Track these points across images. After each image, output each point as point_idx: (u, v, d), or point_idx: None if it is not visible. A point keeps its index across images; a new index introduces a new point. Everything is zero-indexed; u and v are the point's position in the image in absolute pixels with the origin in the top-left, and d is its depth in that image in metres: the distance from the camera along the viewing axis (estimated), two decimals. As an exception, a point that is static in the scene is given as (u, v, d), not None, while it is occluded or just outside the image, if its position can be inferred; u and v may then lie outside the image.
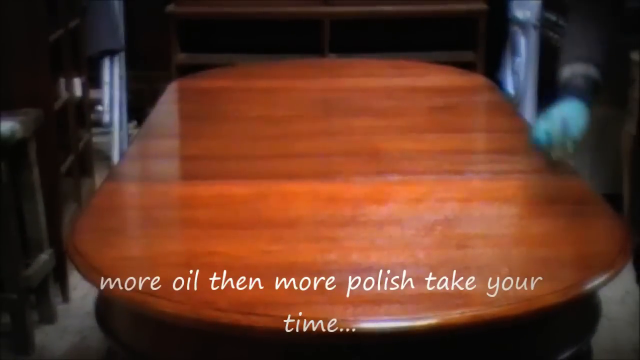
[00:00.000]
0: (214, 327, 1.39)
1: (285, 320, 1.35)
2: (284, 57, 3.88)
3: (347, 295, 1.45)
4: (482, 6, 4.31)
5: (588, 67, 1.78)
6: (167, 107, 2.76)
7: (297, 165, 2.12)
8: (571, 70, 1.79)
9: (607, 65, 1.82)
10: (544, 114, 1.80)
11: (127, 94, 4.34)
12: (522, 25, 4.17)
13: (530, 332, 1.49)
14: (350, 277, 1.50)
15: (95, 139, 3.85)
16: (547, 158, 1.79)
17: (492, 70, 4.29)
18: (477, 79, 3.09)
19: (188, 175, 2.18)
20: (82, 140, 3.39)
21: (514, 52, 4.29)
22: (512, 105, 3.15)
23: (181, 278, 1.51)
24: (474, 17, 4.31)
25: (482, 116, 2.81)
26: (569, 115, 1.75)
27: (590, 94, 1.78)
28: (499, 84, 4.02)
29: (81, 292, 3.00)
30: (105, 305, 1.63)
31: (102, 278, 1.51)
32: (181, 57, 4.35)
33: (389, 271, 1.53)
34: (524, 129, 2.48)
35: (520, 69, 4.22)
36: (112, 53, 4.20)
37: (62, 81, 3.17)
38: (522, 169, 2.07)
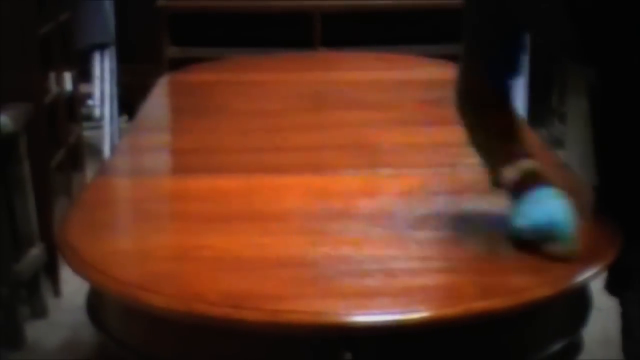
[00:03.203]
0: (205, 321, 1.39)
1: (276, 314, 1.35)
2: (275, 50, 3.87)
3: (339, 289, 1.45)
4: (473, -1, 4.30)
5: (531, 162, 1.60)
6: (158, 101, 2.75)
7: (289, 159, 2.12)
8: (516, 169, 1.58)
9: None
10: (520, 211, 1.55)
11: (118, 87, 4.33)
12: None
13: (522, 324, 1.49)
14: (341, 271, 1.51)
15: (86, 133, 3.84)
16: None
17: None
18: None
19: (179, 169, 2.18)
20: (72, 134, 3.39)
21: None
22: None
23: (172, 271, 1.51)
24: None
25: (473, 109, 2.80)
26: (552, 209, 1.52)
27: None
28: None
29: (72, 286, 2.99)
30: (97, 299, 1.63)
31: (93, 272, 1.51)
32: (172, 51, 4.34)
33: (380, 264, 1.53)
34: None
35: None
36: (102, 47, 4.19)
37: (52, 75, 3.16)
38: (513, 161, 2.07)
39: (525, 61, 4.03)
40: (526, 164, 1.59)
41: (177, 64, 3.71)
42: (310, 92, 2.77)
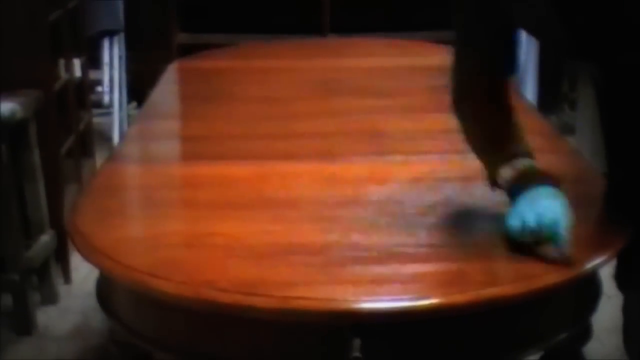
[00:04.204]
0: (215, 308, 1.39)
1: (286, 300, 1.35)
2: (284, 37, 3.86)
3: (348, 276, 1.45)
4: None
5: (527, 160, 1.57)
6: (167, 88, 2.75)
7: (298, 146, 2.11)
8: (512, 168, 1.56)
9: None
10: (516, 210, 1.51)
11: (127, 74, 4.33)
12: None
13: (531, 311, 1.49)
14: (351, 257, 1.51)
15: (95, 120, 3.84)
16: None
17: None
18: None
19: (189, 156, 2.18)
20: (82, 121, 3.39)
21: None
22: (513, 85, 3.14)
23: (182, 258, 1.52)
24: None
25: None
26: (546, 207, 1.47)
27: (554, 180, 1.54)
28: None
29: (82, 272, 3.00)
30: (107, 285, 1.64)
31: (103, 259, 1.51)
32: (181, 37, 4.33)
33: (389, 251, 1.53)
34: (525, 108, 2.48)
35: (521, 48, 4.20)
36: (111, 33, 4.19)
37: (61, 62, 3.16)
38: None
39: (532, 50, 4.03)
40: (522, 163, 1.55)
41: (186, 51, 3.71)
42: (320, 78, 2.76)
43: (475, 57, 1.62)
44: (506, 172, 1.56)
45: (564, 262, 1.44)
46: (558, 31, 1.46)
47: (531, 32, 1.60)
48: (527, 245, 1.48)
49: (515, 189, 1.53)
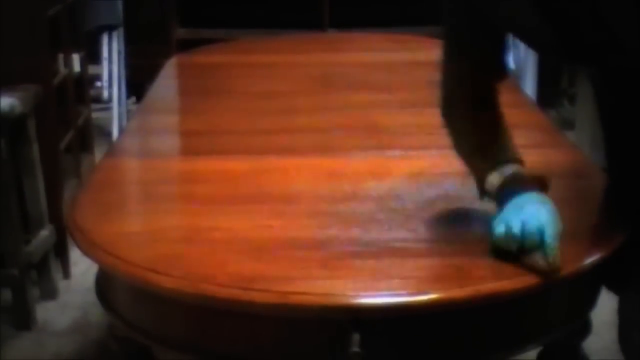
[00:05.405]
0: (214, 302, 1.39)
1: (285, 295, 1.35)
2: (283, 31, 3.86)
3: (348, 270, 1.45)
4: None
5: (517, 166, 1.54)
6: (166, 83, 2.75)
7: (297, 140, 2.11)
8: (500, 175, 1.52)
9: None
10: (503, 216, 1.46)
11: (126, 69, 4.32)
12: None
13: (530, 306, 1.49)
14: (350, 252, 1.51)
15: (94, 115, 3.84)
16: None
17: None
18: (478, 53, 3.07)
19: (188, 151, 2.18)
20: (81, 116, 3.39)
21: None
22: (512, 80, 3.14)
23: (181, 253, 1.52)
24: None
25: (483, 90, 2.79)
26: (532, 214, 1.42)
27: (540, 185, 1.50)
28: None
29: (82, 267, 3.00)
30: (106, 280, 1.64)
31: (102, 254, 1.51)
32: (180, 32, 4.33)
33: (389, 246, 1.53)
34: (525, 103, 2.47)
35: (520, 45, 4.20)
36: (110, 28, 4.18)
37: (60, 57, 3.16)
38: (523, 143, 2.05)
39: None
40: (510, 169, 1.52)
41: (186, 46, 3.71)
42: (319, 73, 2.76)
43: (464, 62, 1.59)
44: (494, 179, 1.53)
45: (551, 269, 1.39)
46: (544, 34, 1.45)
47: (518, 36, 1.58)
48: (513, 253, 1.43)
49: (502, 196, 1.50)
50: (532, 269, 1.41)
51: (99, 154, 3.38)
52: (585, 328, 1.70)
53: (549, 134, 2.16)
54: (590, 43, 1.42)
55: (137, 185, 1.98)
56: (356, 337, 1.35)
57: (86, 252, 1.55)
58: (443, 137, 2.02)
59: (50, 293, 2.92)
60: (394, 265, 1.47)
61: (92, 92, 3.95)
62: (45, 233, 2.86)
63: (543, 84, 4.24)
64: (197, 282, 1.40)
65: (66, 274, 3.06)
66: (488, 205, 1.70)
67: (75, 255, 2.97)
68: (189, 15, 4.41)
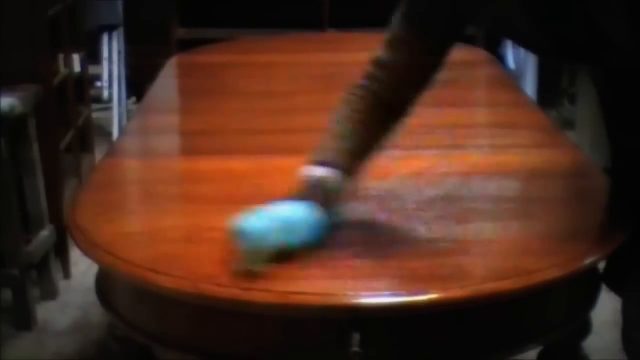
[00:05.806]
0: (214, 302, 1.39)
1: (284, 295, 1.35)
2: (284, 31, 3.86)
3: (347, 270, 1.45)
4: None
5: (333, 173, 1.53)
6: (166, 82, 2.75)
7: (298, 140, 2.10)
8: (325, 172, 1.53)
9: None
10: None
11: (126, 69, 4.32)
12: None
13: (530, 305, 1.49)
14: (350, 252, 1.50)
15: (94, 115, 3.84)
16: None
17: (493, 44, 4.27)
18: (478, 53, 3.08)
19: (188, 150, 2.18)
20: (81, 116, 3.39)
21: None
22: (513, 80, 3.14)
23: (181, 253, 1.52)
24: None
25: (483, 90, 2.80)
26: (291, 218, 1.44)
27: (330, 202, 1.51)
28: (499, 58, 4.00)
29: (82, 267, 3.00)
30: (106, 280, 1.64)
31: (103, 253, 1.51)
32: (181, 32, 4.33)
33: (389, 246, 1.53)
34: (525, 103, 2.48)
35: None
36: (111, 28, 4.19)
37: (61, 57, 3.16)
38: (523, 143, 2.07)
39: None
40: (334, 175, 1.52)
41: (186, 45, 3.71)
42: (320, 73, 2.76)
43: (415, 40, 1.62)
44: (319, 171, 1.53)
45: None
46: (534, 34, 1.45)
47: (511, 38, 1.58)
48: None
49: (304, 192, 1.50)
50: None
51: (99, 154, 3.38)
52: (585, 328, 1.70)
53: (549, 134, 2.16)
54: (582, 42, 1.41)
55: (137, 185, 1.98)
56: (356, 337, 1.35)
57: (86, 252, 1.55)
58: (443, 137, 2.02)
59: (50, 293, 2.92)
60: (394, 264, 1.47)
61: (92, 92, 3.95)
62: (45, 233, 2.86)
63: (543, 84, 4.24)
64: (197, 281, 1.40)
65: (66, 273, 3.06)
66: (489, 206, 1.70)
67: (76, 255, 2.97)
68: (189, 15, 4.41)
